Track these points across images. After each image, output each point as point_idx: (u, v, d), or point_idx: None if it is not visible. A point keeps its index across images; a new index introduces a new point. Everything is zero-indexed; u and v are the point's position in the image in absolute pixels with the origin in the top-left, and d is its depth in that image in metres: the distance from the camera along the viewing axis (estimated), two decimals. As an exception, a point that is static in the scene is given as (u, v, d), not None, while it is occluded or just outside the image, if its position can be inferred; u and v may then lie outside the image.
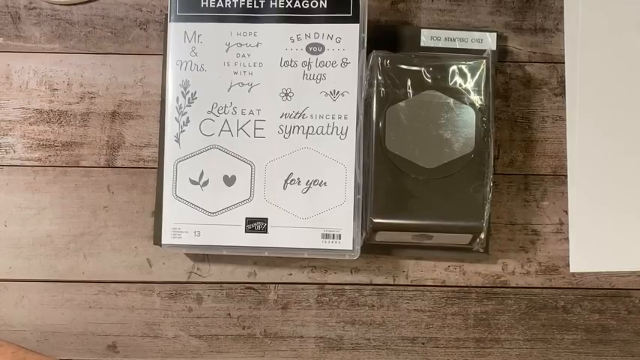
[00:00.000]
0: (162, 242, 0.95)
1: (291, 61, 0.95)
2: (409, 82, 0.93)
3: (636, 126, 0.99)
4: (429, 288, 0.99)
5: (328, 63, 0.95)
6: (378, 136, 0.93)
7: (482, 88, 0.93)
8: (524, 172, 1.00)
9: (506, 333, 0.98)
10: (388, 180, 0.92)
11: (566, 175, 0.99)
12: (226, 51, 0.96)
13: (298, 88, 0.95)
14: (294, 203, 0.94)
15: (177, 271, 0.99)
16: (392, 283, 0.99)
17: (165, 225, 0.95)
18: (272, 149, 0.94)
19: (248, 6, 0.96)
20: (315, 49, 0.95)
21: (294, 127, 0.95)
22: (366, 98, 0.94)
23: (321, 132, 0.94)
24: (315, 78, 0.95)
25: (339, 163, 0.94)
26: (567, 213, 0.99)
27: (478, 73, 0.94)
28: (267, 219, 0.94)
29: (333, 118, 0.94)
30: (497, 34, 0.99)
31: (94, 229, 0.99)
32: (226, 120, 0.95)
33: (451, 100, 0.93)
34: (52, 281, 0.99)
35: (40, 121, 1.00)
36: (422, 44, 0.99)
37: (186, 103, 0.95)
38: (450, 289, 0.99)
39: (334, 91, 0.94)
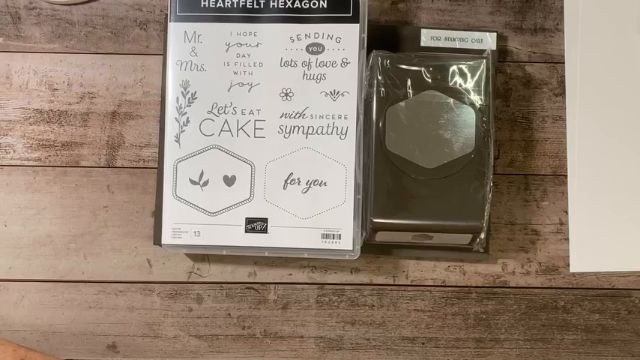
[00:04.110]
0: (162, 242, 0.95)
1: (291, 61, 0.95)
2: (409, 82, 0.93)
3: (636, 126, 0.99)
4: (429, 288, 0.99)
5: (328, 63, 0.95)
6: (378, 136, 0.93)
7: (483, 88, 0.93)
8: (524, 172, 1.00)
9: (506, 333, 0.98)
10: (388, 180, 0.92)
11: (566, 175, 0.99)
12: (226, 51, 0.96)
13: (298, 88, 0.95)
14: (294, 203, 0.94)
15: (177, 271, 0.99)
16: (392, 283, 0.99)
17: (165, 225, 0.95)
18: (272, 149, 0.94)
19: (248, 6, 0.96)
20: (315, 49, 0.95)
21: (294, 127, 0.95)
22: (366, 98, 0.94)
23: (321, 132, 0.94)
24: (315, 78, 0.95)
25: (339, 163, 0.94)
26: (567, 213, 0.99)
27: (478, 73, 0.94)
28: (267, 219, 0.94)
29: (333, 118, 0.94)
30: (497, 34, 0.99)
31: (94, 229, 0.99)
32: (226, 120, 0.95)
33: (451, 100, 0.93)
34: (52, 281, 0.99)
35: (40, 121, 1.00)
36: (422, 44, 0.99)
37: (186, 103, 0.95)
38: (450, 289, 0.99)
39: (334, 91, 0.94)
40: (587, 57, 1.00)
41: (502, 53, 1.01)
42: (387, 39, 0.99)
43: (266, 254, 0.95)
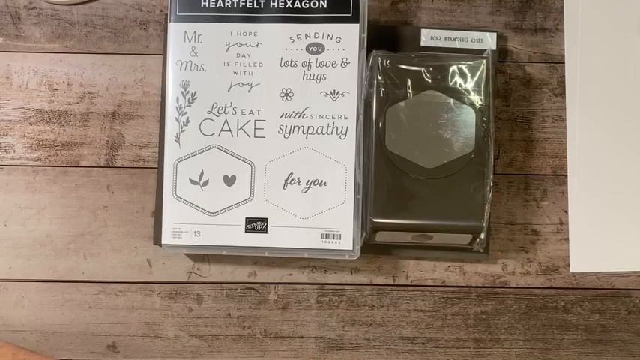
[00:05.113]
0: (162, 242, 0.95)
1: (291, 61, 0.95)
2: (409, 82, 0.93)
3: (636, 126, 0.99)
4: (429, 288, 0.99)
5: (328, 63, 0.95)
6: (378, 136, 0.93)
7: (483, 88, 0.93)
8: (524, 172, 1.00)
9: (506, 333, 0.98)
10: (388, 180, 0.92)
11: (566, 175, 0.99)
12: (226, 51, 0.96)
13: (298, 88, 0.95)
14: (294, 203, 0.94)
15: (177, 271, 0.99)
16: (392, 283, 0.99)
17: (165, 225, 0.95)
18: (272, 149, 0.94)
19: (248, 6, 0.96)
20: (315, 49, 0.95)
21: (294, 127, 0.95)
22: (366, 98, 0.94)
23: (321, 132, 0.94)
24: (315, 78, 0.95)
25: (339, 163, 0.94)
26: (567, 213, 0.99)
27: (478, 73, 0.94)
28: (267, 219, 0.94)
29: (333, 118, 0.94)
30: (497, 34, 0.99)
31: (94, 229, 0.99)
32: (226, 120, 0.95)
33: (451, 100, 0.93)
34: (52, 281, 0.99)
35: (40, 121, 1.00)
36: (422, 44, 0.99)
37: (186, 103, 0.95)
38: (450, 289, 0.99)
39: (334, 91, 0.94)
40: (587, 57, 1.00)
41: (502, 53, 1.01)
42: (387, 39, 0.99)
43: (266, 254, 0.95)
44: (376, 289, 0.98)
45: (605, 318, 0.98)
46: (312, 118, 0.94)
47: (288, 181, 0.94)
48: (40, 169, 1.00)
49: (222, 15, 0.96)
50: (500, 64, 1.00)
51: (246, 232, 0.94)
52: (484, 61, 0.94)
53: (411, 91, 0.93)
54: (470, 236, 0.93)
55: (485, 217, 0.92)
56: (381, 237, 0.94)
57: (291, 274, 0.99)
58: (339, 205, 0.93)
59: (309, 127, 0.94)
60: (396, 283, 0.99)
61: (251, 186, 0.94)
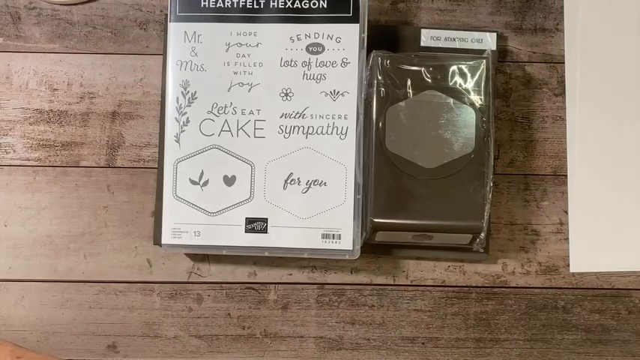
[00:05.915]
0: (162, 242, 0.95)
1: (291, 61, 0.95)
2: (409, 82, 0.93)
3: (636, 126, 0.99)
4: (429, 288, 0.99)
5: (328, 63, 0.95)
6: (378, 136, 0.93)
7: (483, 88, 0.93)
8: (524, 172, 1.00)
9: (506, 333, 0.98)
10: (388, 180, 0.92)
11: (566, 175, 0.99)
12: (226, 51, 0.96)
13: (298, 88, 0.95)
14: (294, 203, 0.94)
15: (177, 271, 0.99)
16: (392, 283, 0.99)
17: (165, 225, 0.95)
18: (272, 149, 0.95)
19: (248, 6, 0.96)
20: (315, 49, 0.95)
21: (294, 127, 0.95)
22: (366, 98, 0.94)
23: (321, 132, 0.94)
24: (315, 78, 0.95)
25: (339, 163, 0.94)
26: (567, 213, 0.99)
27: (478, 73, 0.94)
28: (267, 219, 0.94)
29: (333, 118, 0.94)
30: (497, 34, 0.99)
31: (94, 229, 0.99)
32: (226, 120, 0.95)
33: (451, 100, 0.93)
34: (52, 281, 0.99)
35: (40, 121, 1.00)
36: (422, 44, 0.99)
37: (186, 103, 0.95)
38: (450, 289, 0.99)
39: (334, 91, 0.94)
40: (587, 57, 1.00)
41: (502, 53, 1.01)
42: (387, 39, 0.99)
43: (266, 254, 0.95)
44: (376, 289, 0.98)
45: (605, 318, 0.98)
46: (312, 118, 0.94)
47: (288, 181, 0.94)
48: (40, 169, 1.00)
49: (222, 15, 0.96)
50: (500, 64, 1.00)
51: (246, 232, 0.94)
52: (484, 61, 0.94)
53: (411, 91, 0.93)
54: (470, 236, 0.93)
55: (485, 217, 0.92)
56: (381, 237, 0.94)
57: (291, 274, 0.99)
58: (339, 205, 0.93)
59: (309, 127, 0.94)
60: (396, 283, 0.99)
61: (251, 186, 0.94)
